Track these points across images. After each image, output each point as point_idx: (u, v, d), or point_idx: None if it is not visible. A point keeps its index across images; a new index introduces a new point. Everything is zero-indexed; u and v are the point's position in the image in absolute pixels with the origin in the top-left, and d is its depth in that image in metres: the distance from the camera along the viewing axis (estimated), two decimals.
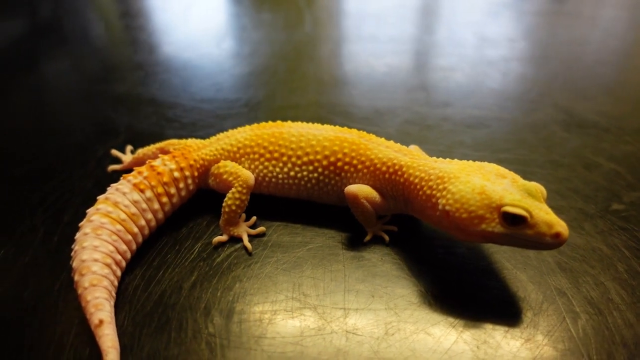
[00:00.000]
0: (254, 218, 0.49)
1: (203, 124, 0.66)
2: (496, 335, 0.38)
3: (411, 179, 0.44)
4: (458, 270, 0.44)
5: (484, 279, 0.43)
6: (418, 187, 0.43)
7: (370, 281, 0.43)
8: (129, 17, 1.17)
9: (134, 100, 0.74)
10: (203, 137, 0.54)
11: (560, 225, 0.37)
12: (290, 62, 0.85)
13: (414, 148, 0.51)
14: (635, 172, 0.56)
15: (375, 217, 0.47)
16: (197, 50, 0.95)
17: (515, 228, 0.37)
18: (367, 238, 0.47)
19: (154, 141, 0.59)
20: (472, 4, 1.18)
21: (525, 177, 0.41)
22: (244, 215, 0.49)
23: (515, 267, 0.44)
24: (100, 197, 0.45)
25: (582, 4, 1.28)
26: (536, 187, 0.39)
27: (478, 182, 0.39)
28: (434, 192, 0.41)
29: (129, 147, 0.60)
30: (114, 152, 0.59)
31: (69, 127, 0.67)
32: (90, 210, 0.44)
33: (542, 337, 0.38)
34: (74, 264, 0.40)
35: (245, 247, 0.46)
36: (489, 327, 0.39)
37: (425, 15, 1.14)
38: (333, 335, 0.38)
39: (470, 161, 0.43)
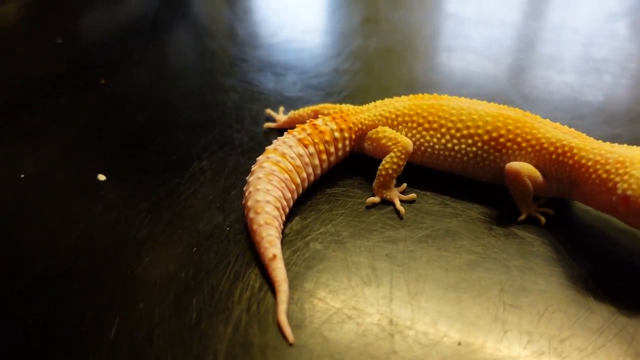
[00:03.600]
0: (404, 185, 0.50)
1: (347, 94, 0.69)
2: None
3: (583, 161, 0.42)
4: (619, 262, 0.42)
5: None
6: (591, 170, 0.41)
7: (527, 258, 0.42)
8: None
9: (279, 66, 0.79)
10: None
11: None
12: (429, 40, 0.85)
13: None
14: None
15: (532, 198, 0.46)
16: (335, 25, 0.97)
17: None
18: (522, 217, 0.46)
19: (301, 106, 0.63)
20: None
21: None
22: (394, 181, 0.51)
23: None
24: (269, 148, 0.49)
25: None
26: None
27: None
28: (611, 176, 0.40)
29: (281, 108, 0.64)
30: (269, 111, 0.64)
31: (223, 87, 0.73)
32: (260, 158, 0.48)
33: None
34: (249, 203, 0.44)
35: (397, 211, 0.48)
36: None
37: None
38: (490, 303, 0.39)
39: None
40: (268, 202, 0.44)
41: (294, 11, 1.07)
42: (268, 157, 0.47)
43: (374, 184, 0.49)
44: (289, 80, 0.74)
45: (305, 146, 0.49)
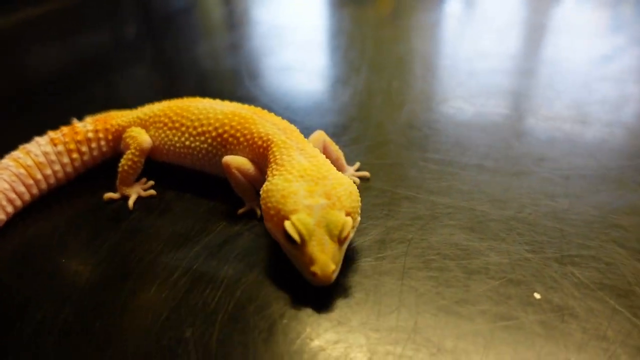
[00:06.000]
0: (151, 182, 0.52)
1: None
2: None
3: (271, 157, 0.43)
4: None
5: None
6: (271, 166, 0.43)
7: (223, 249, 0.43)
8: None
9: None
10: None
11: (320, 268, 0.34)
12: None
13: (317, 134, 0.51)
14: None
15: (252, 191, 0.47)
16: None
17: (290, 245, 0.36)
18: (241, 210, 0.47)
19: None
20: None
21: None
22: (145, 179, 0.52)
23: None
24: (21, 146, 0.51)
25: None
26: (339, 223, 0.36)
27: (293, 187, 0.38)
28: (270, 173, 0.41)
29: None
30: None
31: None
32: (7, 155, 0.50)
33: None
34: None
35: (127, 204, 0.49)
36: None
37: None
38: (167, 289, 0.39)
39: (329, 165, 0.42)
40: None
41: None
42: (11, 155, 0.49)
43: (117, 182, 0.51)
44: None
45: (55, 144, 0.51)
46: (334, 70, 0.91)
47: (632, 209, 0.46)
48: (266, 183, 0.40)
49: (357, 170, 0.53)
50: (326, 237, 0.35)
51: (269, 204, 0.38)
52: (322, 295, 0.37)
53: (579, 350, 0.32)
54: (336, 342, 0.33)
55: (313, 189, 0.38)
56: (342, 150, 0.53)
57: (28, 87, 0.89)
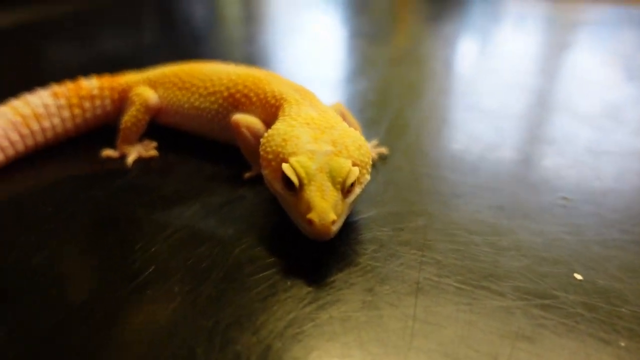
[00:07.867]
0: (154, 143, 0.48)
1: None
2: None
3: (280, 112, 0.40)
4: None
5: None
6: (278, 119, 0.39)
7: (231, 209, 0.39)
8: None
9: None
10: None
11: (318, 215, 0.30)
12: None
13: (335, 104, 0.47)
14: None
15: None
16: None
17: (287, 192, 0.32)
18: (248, 174, 0.43)
19: None
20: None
21: None
22: (147, 140, 0.49)
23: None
24: (22, 96, 0.48)
25: None
26: (344, 170, 0.31)
27: (296, 132, 0.34)
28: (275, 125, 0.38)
29: None
30: None
31: None
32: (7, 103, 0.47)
33: None
34: None
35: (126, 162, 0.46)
36: None
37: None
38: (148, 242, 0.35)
39: (339, 119, 0.38)
40: None
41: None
42: (11, 102, 0.47)
43: (117, 140, 0.47)
44: None
45: (57, 97, 0.48)
46: (351, 63, 0.88)
47: None
48: (268, 130, 0.36)
49: (375, 147, 0.49)
50: (328, 184, 0.31)
51: (268, 149, 0.34)
52: (330, 261, 0.33)
53: (631, 336, 0.28)
54: (340, 307, 0.29)
55: (318, 136, 0.34)
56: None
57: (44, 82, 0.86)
